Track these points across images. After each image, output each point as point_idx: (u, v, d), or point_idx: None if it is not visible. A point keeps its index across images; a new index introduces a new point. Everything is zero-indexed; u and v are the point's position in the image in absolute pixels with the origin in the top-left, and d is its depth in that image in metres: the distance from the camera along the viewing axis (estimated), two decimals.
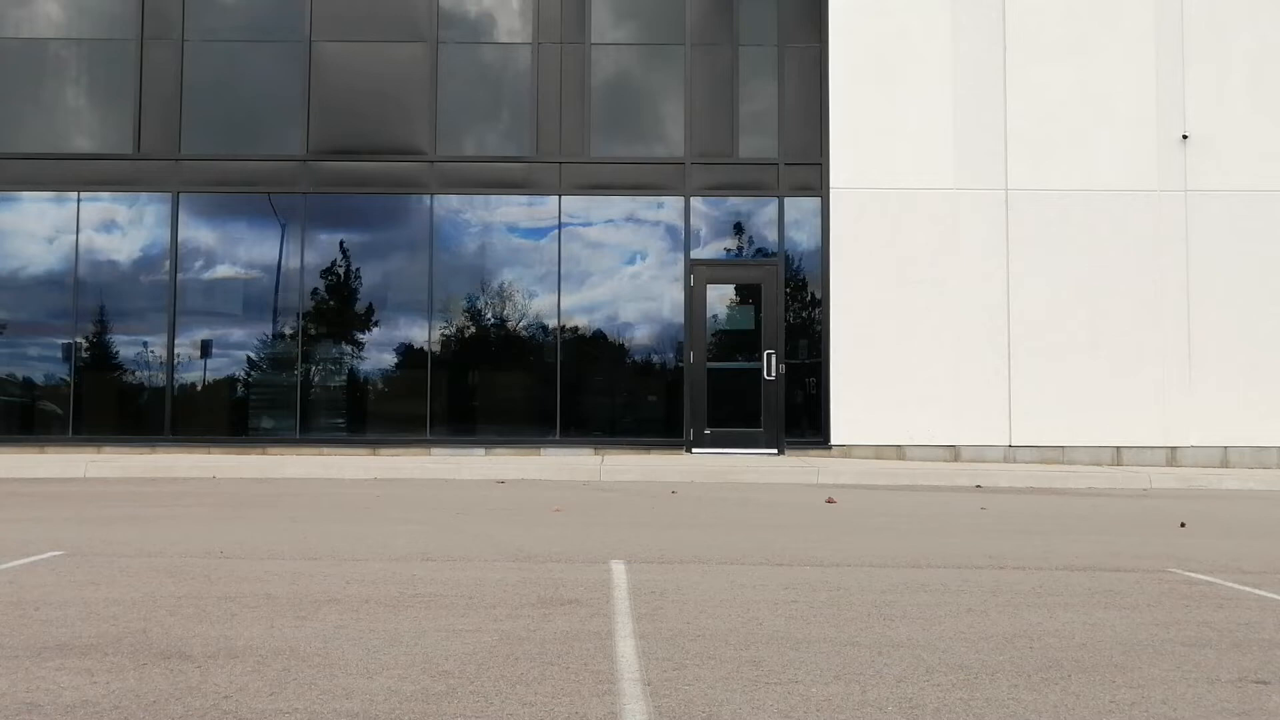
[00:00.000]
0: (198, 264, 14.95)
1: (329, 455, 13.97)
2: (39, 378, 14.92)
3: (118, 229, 14.97)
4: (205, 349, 14.87)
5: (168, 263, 14.82)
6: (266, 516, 8.01)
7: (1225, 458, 14.23)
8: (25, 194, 14.95)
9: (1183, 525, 8.17)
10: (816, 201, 14.81)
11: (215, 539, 6.58)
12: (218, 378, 14.95)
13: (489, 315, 15.05)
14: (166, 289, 14.79)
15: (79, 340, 14.81)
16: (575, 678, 3.38)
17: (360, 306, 15.08)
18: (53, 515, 7.98)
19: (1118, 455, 14.27)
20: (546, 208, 14.95)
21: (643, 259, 15.03)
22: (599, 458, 13.92)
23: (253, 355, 14.97)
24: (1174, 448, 14.28)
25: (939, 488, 11.88)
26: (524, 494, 10.25)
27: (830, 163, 14.58)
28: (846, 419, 14.34)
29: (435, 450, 14.50)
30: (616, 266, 14.99)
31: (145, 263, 14.90)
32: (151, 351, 14.81)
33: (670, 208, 14.96)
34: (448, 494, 10.15)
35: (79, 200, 14.83)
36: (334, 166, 14.91)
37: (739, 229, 15.10)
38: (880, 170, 14.49)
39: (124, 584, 4.97)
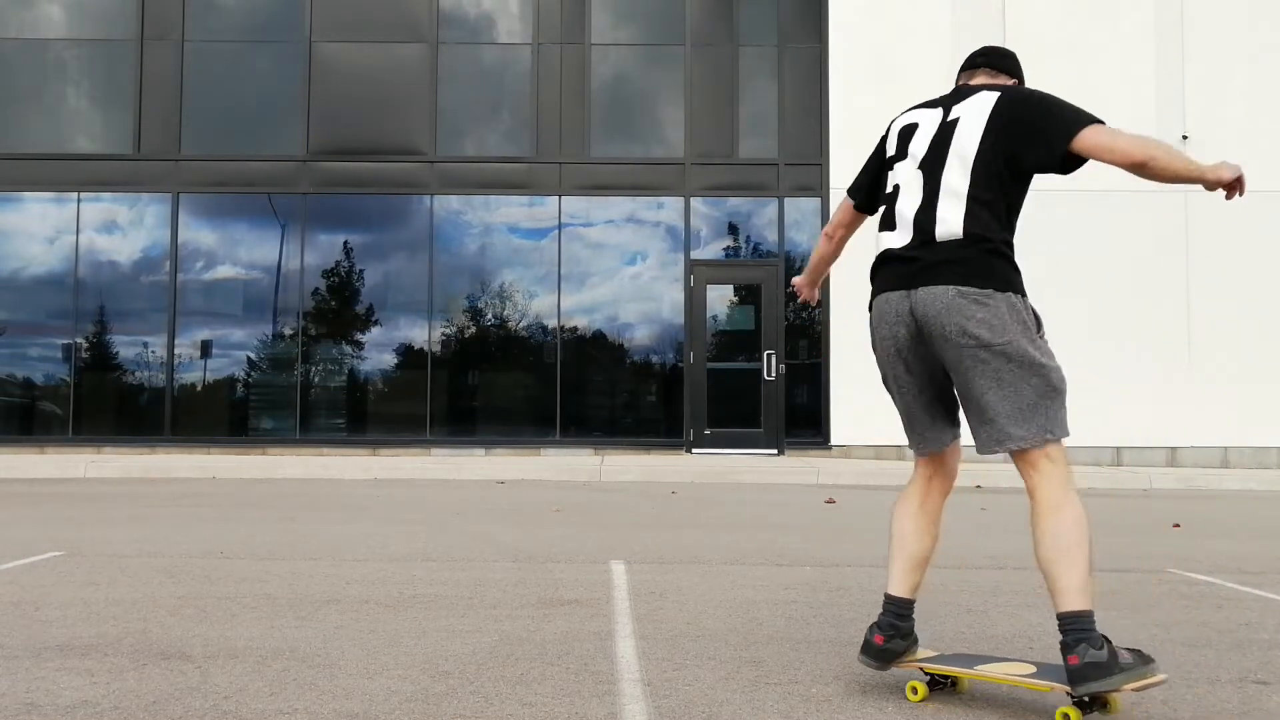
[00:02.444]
0: (198, 264, 14.95)
1: (329, 456, 13.97)
2: (39, 378, 14.92)
3: (118, 229, 14.98)
4: (205, 349, 14.87)
5: (168, 263, 14.83)
6: (266, 516, 8.01)
7: (1225, 458, 14.23)
8: (26, 194, 14.96)
9: (1176, 526, 8.16)
10: (816, 202, 14.82)
11: (215, 539, 6.58)
12: (217, 378, 14.96)
13: (489, 315, 15.06)
14: (166, 289, 14.80)
15: (79, 340, 14.82)
16: (575, 678, 3.38)
17: (360, 307, 15.08)
18: (53, 515, 7.98)
19: (1118, 455, 14.27)
20: (547, 208, 14.95)
21: (643, 259, 15.04)
22: (599, 458, 13.91)
23: (253, 355, 14.98)
24: (1174, 448, 14.28)
25: None
26: (524, 494, 10.25)
27: (830, 163, 14.59)
28: (846, 419, 14.35)
29: (435, 451, 14.51)
30: (617, 267, 15.00)
31: (145, 263, 14.91)
32: (151, 352, 14.82)
33: (670, 208, 14.96)
34: (448, 494, 10.15)
35: (79, 201, 14.85)
36: (334, 167, 14.92)
37: (739, 229, 15.10)
38: None
39: (124, 584, 4.97)
